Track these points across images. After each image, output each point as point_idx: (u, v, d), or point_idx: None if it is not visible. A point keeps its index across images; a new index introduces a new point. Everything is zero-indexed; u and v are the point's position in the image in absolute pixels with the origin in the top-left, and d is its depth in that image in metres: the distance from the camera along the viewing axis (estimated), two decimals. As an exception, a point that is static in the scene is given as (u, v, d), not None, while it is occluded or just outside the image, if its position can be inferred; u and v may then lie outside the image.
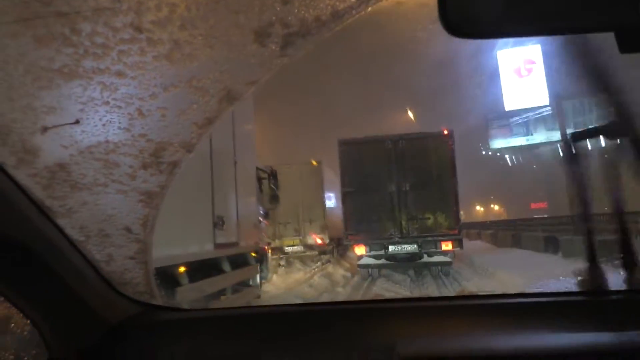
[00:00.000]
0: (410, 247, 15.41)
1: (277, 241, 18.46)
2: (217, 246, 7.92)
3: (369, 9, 1.37)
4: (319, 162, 19.65)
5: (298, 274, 16.48)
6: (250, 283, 10.35)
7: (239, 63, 1.51)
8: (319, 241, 19.13)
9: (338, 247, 21.28)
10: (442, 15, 1.01)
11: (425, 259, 15.53)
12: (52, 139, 1.61)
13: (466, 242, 27.98)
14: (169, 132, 1.69)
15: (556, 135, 50.07)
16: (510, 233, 24.42)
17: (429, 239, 15.39)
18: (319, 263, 19.08)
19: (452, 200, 15.57)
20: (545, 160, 53.01)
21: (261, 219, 11.81)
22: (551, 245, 18.25)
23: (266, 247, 13.02)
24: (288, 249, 19.09)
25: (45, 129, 1.58)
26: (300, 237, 19.21)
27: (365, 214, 15.26)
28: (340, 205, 22.53)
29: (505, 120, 53.06)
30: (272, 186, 12.31)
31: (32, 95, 1.49)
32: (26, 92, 1.47)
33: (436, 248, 15.43)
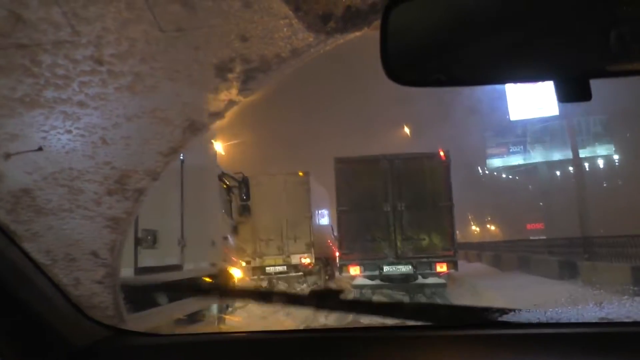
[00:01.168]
0: (405, 268, 15.32)
1: (257, 260, 16.56)
2: (142, 271, 5.96)
3: (327, 47, 1.39)
4: (305, 173, 17.61)
5: None
6: (205, 316, 8.35)
7: (201, 96, 1.52)
8: (304, 261, 16.91)
9: (326, 268, 19.30)
10: (384, 64, 1.03)
11: (420, 280, 15.42)
12: (16, 165, 1.62)
13: (466, 265, 25.30)
14: (134, 160, 1.70)
15: (554, 155, 49.76)
16: (515, 255, 21.99)
17: (424, 260, 15.29)
18: (304, 285, 17.09)
19: (447, 221, 15.52)
20: (542, 180, 52.52)
21: (227, 236, 9.93)
22: (567, 270, 15.52)
23: (234, 268, 11.09)
24: (269, 269, 16.73)
25: (8, 156, 1.59)
26: (284, 256, 16.85)
27: (360, 234, 15.19)
28: (330, 222, 21.83)
29: (502, 138, 52.68)
30: (244, 196, 10.28)
31: (-6, 122, 1.50)
32: (-13, 119, 1.48)
33: (431, 269, 15.33)
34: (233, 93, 1.51)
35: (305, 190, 17.24)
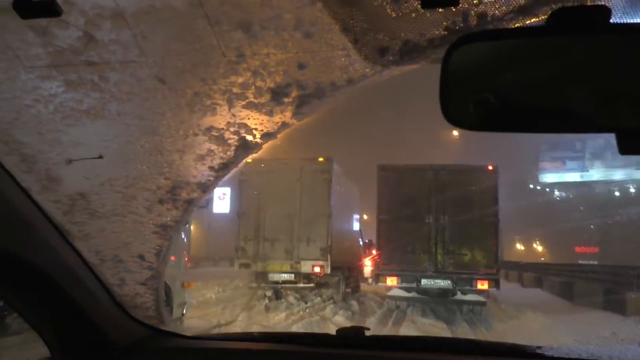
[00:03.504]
0: (444, 283, 15.01)
1: (259, 264, 13.06)
2: None
3: (383, 78, 1.39)
4: (327, 159, 13.91)
5: (278, 316, 11.17)
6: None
7: (256, 117, 1.56)
8: (317, 269, 13.15)
9: (348, 279, 15.75)
10: (443, 105, 1.02)
11: (459, 296, 15.07)
12: (76, 171, 1.70)
13: (520, 291, 20.80)
14: (186, 173, 1.75)
15: (615, 174, 46.55)
16: (598, 287, 15.83)
17: (465, 276, 14.94)
18: (317, 299, 13.83)
19: (491, 238, 15.12)
20: (599, 200, 49.16)
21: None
22: None
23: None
24: (273, 276, 13.08)
25: (69, 161, 1.67)
26: (292, 262, 13.08)
27: (400, 244, 14.99)
28: (360, 227, 18.82)
29: (558, 153, 49.74)
30: None
31: (60, 131, 1.58)
32: (54, 127, 1.57)
33: (471, 286, 14.98)
34: (287, 116, 1.54)
35: (325, 181, 13.44)
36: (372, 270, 17.99)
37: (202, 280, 15.15)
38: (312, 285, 13.54)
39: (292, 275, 13.16)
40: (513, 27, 1.21)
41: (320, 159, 13.88)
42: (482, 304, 14.90)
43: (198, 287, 13.13)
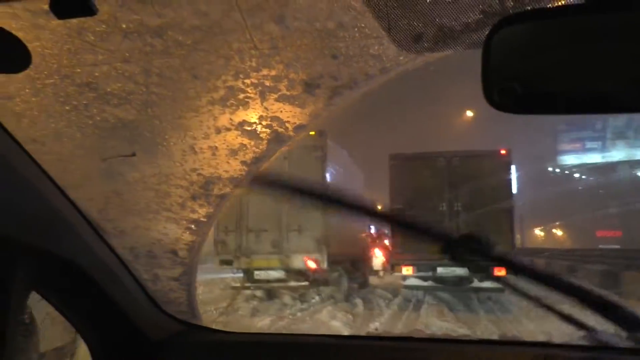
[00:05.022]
0: (460, 271, 14.98)
1: (242, 260, 11.20)
2: None
3: (416, 65, 1.39)
4: (319, 133, 11.48)
5: (262, 322, 9.21)
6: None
7: (288, 110, 1.56)
8: (311, 264, 11.29)
9: (353, 274, 13.62)
10: (485, 89, 1.01)
11: (476, 283, 15.02)
12: (110, 168, 1.72)
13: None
14: (219, 168, 1.77)
15: (638, 154, 44.90)
16: None
17: (481, 263, 14.93)
18: (317, 298, 11.71)
19: (507, 224, 14.97)
20: (622, 182, 47.29)
21: None
22: None
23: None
24: (259, 273, 11.30)
25: (104, 159, 1.69)
26: (281, 256, 11.13)
27: (414, 233, 14.99)
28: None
29: (577, 133, 48.07)
30: None
31: (95, 128, 1.60)
32: (89, 125, 1.58)
33: (488, 273, 14.94)
34: (319, 107, 1.55)
35: (318, 159, 11.32)
36: (383, 262, 17.55)
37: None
38: (305, 283, 11.49)
39: (282, 272, 11.24)
40: (552, 6, 1.20)
41: (311, 133, 11.25)
42: (500, 290, 14.81)
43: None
